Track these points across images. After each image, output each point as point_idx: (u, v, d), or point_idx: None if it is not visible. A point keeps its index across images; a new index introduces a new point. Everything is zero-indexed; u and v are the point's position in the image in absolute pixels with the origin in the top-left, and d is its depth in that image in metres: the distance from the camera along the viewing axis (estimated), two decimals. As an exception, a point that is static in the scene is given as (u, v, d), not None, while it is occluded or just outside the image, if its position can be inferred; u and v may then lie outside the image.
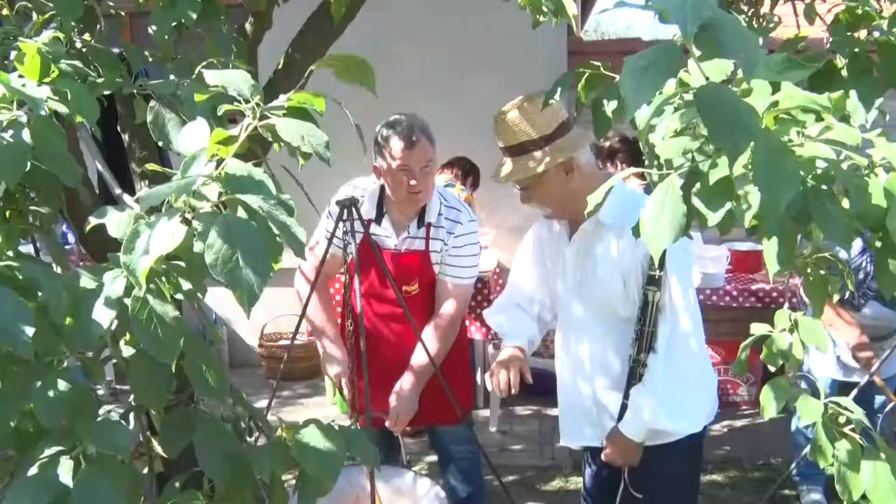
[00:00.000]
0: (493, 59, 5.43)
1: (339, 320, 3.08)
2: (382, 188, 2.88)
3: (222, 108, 1.27)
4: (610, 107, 1.65)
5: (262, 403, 4.77)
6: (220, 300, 5.88)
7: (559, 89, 1.72)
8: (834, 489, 3.90)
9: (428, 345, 2.74)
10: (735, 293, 4.73)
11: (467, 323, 4.64)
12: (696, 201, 1.17)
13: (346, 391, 2.90)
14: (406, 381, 2.82)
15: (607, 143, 4.10)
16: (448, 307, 2.86)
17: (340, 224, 2.57)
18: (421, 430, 4.58)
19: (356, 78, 1.36)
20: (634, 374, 2.17)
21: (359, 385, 2.93)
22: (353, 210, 2.55)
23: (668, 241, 1.13)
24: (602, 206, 2.09)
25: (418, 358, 2.83)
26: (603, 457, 2.31)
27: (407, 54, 5.46)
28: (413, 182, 2.72)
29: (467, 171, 5.00)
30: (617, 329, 2.25)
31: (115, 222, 1.14)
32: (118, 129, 2.71)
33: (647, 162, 1.53)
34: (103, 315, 1.07)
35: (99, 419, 1.17)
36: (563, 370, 2.45)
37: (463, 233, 2.84)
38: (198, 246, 1.04)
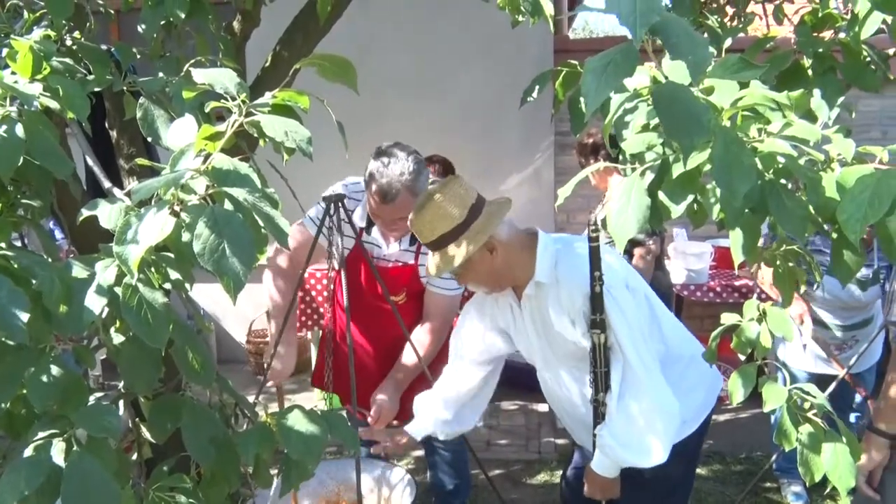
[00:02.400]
0: (480, 56, 5.50)
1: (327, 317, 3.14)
2: None
3: (209, 105, 1.33)
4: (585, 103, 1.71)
5: (249, 399, 4.81)
6: (207, 296, 5.94)
7: (537, 87, 1.78)
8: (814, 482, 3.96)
9: (419, 352, 2.79)
10: (718, 289, 4.81)
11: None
12: (661, 194, 1.23)
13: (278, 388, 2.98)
14: (390, 382, 2.86)
15: (590, 140, 4.16)
16: (436, 317, 2.90)
17: (327, 222, 2.63)
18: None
19: (339, 77, 1.42)
20: (598, 414, 2.23)
21: (335, 381, 3.01)
22: (340, 206, 2.60)
23: (632, 231, 1.19)
24: (536, 268, 2.22)
25: (405, 360, 2.87)
26: (585, 493, 2.38)
27: (394, 51, 5.52)
28: (387, 226, 2.76)
29: (446, 170, 5.04)
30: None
31: (107, 214, 1.20)
32: (106, 126, 2.76)
33: (621, 157, 1.61)
34: (95, 302, 1.13)
35: (90, 404, 1.22)
36: (561, 411, 2.55)
37: None
38: (186, 236, 1.10)
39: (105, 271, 1.14)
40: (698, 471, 4.28)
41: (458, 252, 2.13)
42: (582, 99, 1.81)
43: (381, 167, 2.61)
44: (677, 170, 1.18)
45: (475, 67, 5.48)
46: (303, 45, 2.86)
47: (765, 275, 3.56)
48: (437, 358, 2.96)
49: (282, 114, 1.31)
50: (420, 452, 4.36)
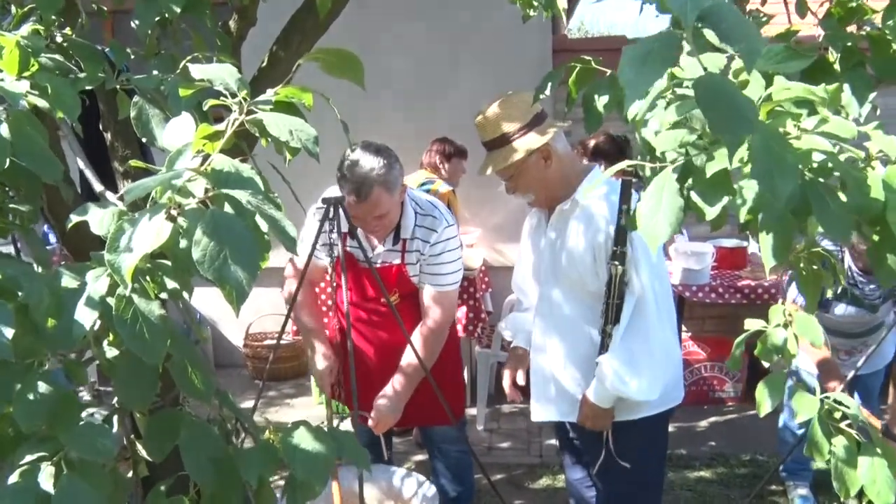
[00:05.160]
0: (478, 57, 5.41)
1: (325, 321, 3.05)
2: None
3: (208, 103, 1.23)
4: (601, 101, 1.62)
5: (247, 404, 4.72)
6: (205, 300, 5.83)
7: (549, 84, 1.68)
8: (820, 485, 3.88)
9: (419, 353, 2.70)
10: (721, 290, 4.73)
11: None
12: (693, 195, 1.14)
13: (326, 389, 2.87)
14: (392, 386, 2.78)
15: (593, 142, 4.08)
16: (433, 315, 2.82)
17: (326, 225, 2.54)
18: (409, 428, 4.55)
19: (344, 73, 1.32)
20: (604, 345, 2.30)
21: (344, 385, 2.92)
22: (340, 208, 2.52)
23: (665, 235, 1.10)
24: (579, 188, 2.28)
25: (406, 362, 2.78)
26: (577, 419, 2.45)
27: (392, 52, 5.42)
28: (364, 225, 2.69)
29: (449, 154, 4.89)
30: (586, 306, 2.38)
31: (98, 219, 1.10)
32: (100, 127, 2.66)
33: (639, 156, 1.51)
34: (86, 315, 1.03)
35: (81, 423, 1.12)
36: (536, 352, 2.58)
37: (439, 240, 2.76)
38: (183, 243, 1.00)
39: (96, 281, 1.04)
40: (703, 474, 4.22)
41: (516, 152, 2.26)
42: (596, 96, 1.73)
43: (351, 166, 2.57)
44: (711, 168, 1.09)
45: (473, 68, 5.38)
46: (300, 45, 2.76)
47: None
48: (444, 356, 2.90)
49: (284, 112, 1.22)
50: (422, 456, 4.27)
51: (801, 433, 3.19)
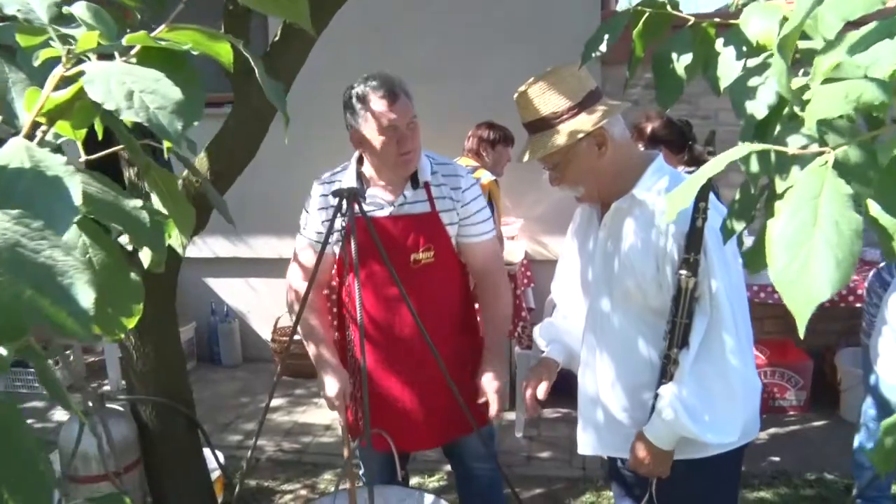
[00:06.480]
0: (521, 35, 4.80)
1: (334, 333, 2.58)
2: (360, 159, 2.45)
3: (39, 56, 0.72)
4: (682, 63, 1.06)
5: (274, 402, 4.26)
6: (231, 292, 5.41)
7: (606, 37, 1.13)
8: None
9: (495, 311, 2.52)
10: (785, 289, 4.10)
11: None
12: (872, 207, 0.59)
13: (342, 412, 2.40)
14: (490, 356, 2.49)
15: (648, 126, 3.42)
16: (491, 267, 2.54)
17: (327, 224, 2.09)
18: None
19: (280, 10, 0.80)
20: (666, 372, 1.88)
21: (361, 402, 2.45)
22: (354, 200, 2.09)
23: (832, 286, 0.56)
24: (638, 183, 1.89)
25: (491, 334, 2.53)
26: (628, 464, 2.00)
27: (429, 30, 4.86)
28: (401, 142, 2.32)
29: (493, 140, 4.29)
30: (646, 323, 1.95)
31: None
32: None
33: (742, 140, 0.96)
34: None
35: None
36: (584, 370, 2.12)
37: (467, 186, 2.47)
38: None
39: None
40: (763, 495, 3.65)
41: (565, 136, 1.84)
42: (674, 55, 1.17)
43: (371, 79, 2.31)
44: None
45: (516, 47, 4.75)
46: (318, 17, 2.34)
47: None
48: (468, 354, 2.52)
49: (166, 68, 0.70)
50: (449, 467, 3.78)
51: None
